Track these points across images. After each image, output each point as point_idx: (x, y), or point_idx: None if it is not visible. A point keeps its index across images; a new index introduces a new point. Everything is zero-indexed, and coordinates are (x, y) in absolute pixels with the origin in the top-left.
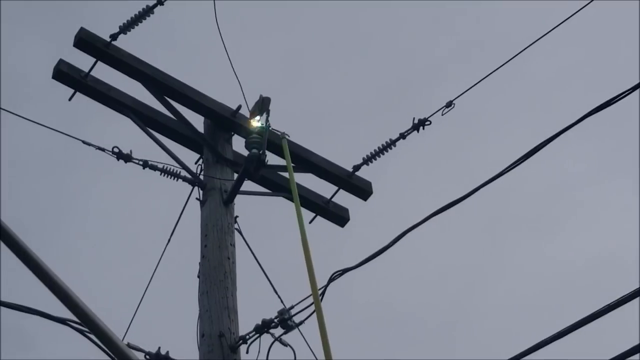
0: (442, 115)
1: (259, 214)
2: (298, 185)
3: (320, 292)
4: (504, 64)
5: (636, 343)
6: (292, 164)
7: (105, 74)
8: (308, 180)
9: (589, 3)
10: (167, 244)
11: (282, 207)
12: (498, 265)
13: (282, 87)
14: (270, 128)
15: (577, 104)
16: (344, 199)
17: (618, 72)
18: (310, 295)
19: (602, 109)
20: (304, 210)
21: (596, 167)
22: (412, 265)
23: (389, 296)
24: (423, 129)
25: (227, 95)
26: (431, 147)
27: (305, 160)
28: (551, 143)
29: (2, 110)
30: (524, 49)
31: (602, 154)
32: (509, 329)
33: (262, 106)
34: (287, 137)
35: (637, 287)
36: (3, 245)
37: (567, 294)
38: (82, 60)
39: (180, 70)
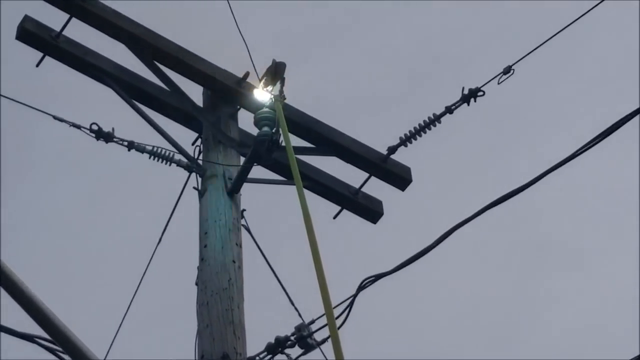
0: (499, 83)
1: (272, 207)
2: (320, 172)
3: (348, 302)
4: (566, 27)
5: None
6: (313, 145)
7: (82, 33)
8: (333, 166)
9: None
10: (157, 246)
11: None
12: (534, 297)
13: (301, 59)
14: (285, 100)
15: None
16: (377, 188)
17: None
18: (339, 303)
19: None
20: (327, 203)
21: None
22: (431, 291)
23: (404, 323)
24: (475, 101)
25: (231, 61)
26: (477, 137)
27: (329, 141)
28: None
29: None
30: (586, 12)
31: None
32: None
33: (276, 73)
34: (283, 100)
35: None
36: None
37: (615, 332)
38: (52, 19)
39: (173, 30)
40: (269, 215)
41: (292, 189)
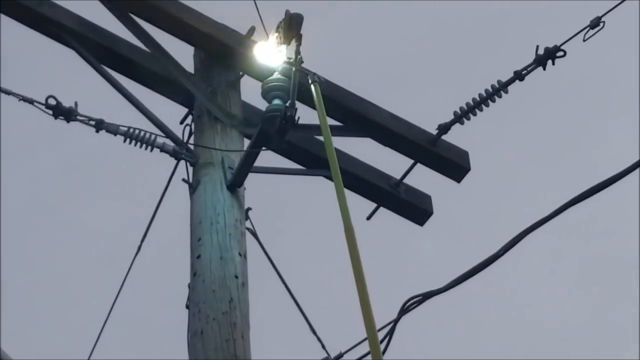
0: (584, 40)
1: (286, 205)
2: (350, 158)
3: (388, 328)
4: None
5: None
6: (340, 123)
7: None
8: (365, 149)
9: None
10: (135, 257)
11: (322, 193)
12: (614, 328)
13: (322, 10)
14: (302, 64)
15: None
16: (423, 179)
17: None
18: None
19: None
20: (359, 199)
21: None
22: (491, 312)
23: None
24: (553, 63)
25: (232, 14)
26: (555, 112)
27: (361, 118)
28: None
29: None
30: None
31: None
32: None
33: (290, 28)
34: (319, 80)
35: None
36: None
37: None
38: None
39: None
40: (282, 216)
41: (311, 181)
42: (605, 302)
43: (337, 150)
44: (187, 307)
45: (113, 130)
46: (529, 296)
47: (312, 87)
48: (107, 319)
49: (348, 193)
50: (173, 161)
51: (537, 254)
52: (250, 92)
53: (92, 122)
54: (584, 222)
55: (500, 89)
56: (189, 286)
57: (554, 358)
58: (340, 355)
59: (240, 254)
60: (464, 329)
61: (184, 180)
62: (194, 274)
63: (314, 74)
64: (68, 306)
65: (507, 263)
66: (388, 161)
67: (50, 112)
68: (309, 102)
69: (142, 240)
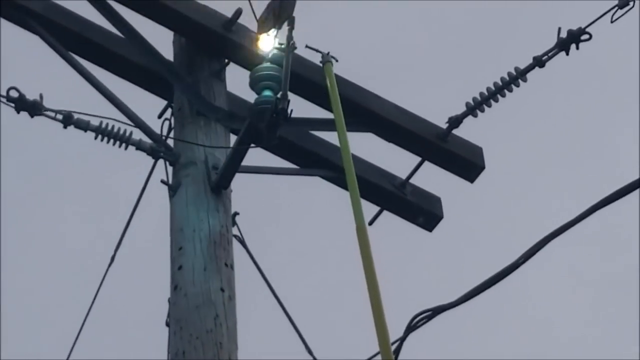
0: (612, 22)
1: (278, 209)
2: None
3: (395, 347)
4: None
5: None
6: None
7: None
8: (367, 146)
9: None
10: (109, 268)
11: (318, 195)
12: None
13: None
14: (295, 50)
15: None
16: (431, 179)
17: None
18: (376, 354)
19: None
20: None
21: None
22: (504, 326)
23: None
24: (577, 48)
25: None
26: (580, 103)
27: (362, 110)
28: None
29: None
30: None
31: None
32: None
33: (281, 12)
34: (333, 60)
35: None
36: None
37: None
38: None
39: None
40: (273, 221)
41: (306, 182)
42: (629, 320)
43: (334, 147)
44: (167, 324)
45: (83, 125)
46: (549, 310)
47: (324, 68)
48: (76, 338)
49: (347, 195)
50: (150, 160)
51: (558, 262)
52: (237, 82)
53: (60, 117)
54: (606, 229)
55: (518, 77)
56: (169, 301)
57: (554, 358)
58: None
59: (226, 265)
60: (475, 344)
61: (162, 181)
62: (174, 287)
63: (328, 53)
64: (34, 323)
65: (525, 273)
66: (392, 159)
67: (13, 105)
68: (304, 93)
69: (116, 250)
